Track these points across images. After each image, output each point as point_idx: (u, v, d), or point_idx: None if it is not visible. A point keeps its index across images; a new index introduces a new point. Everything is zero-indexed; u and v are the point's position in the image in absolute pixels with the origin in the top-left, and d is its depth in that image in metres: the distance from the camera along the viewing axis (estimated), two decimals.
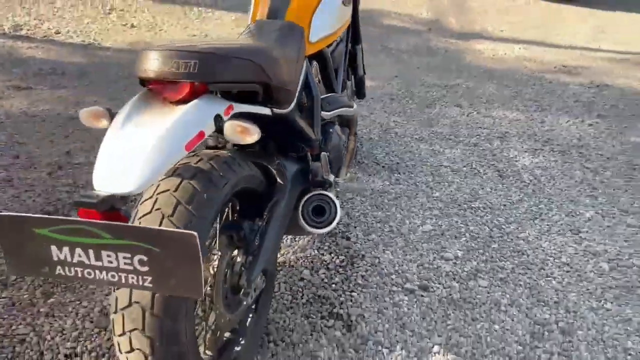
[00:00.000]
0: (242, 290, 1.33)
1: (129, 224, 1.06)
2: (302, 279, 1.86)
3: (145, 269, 0.96)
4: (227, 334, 1.42)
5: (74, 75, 3.34)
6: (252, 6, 1.78)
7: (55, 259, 0.99)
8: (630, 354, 1.64)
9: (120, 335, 1.11)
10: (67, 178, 2.31)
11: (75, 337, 1.56)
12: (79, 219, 0.97)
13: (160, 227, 1.02)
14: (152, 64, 1.13)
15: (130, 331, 1.09)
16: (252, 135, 1.13)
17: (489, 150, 2.89)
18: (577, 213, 2.37)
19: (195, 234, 0.91)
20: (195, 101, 1.13)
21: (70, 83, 3.23)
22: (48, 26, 4.18)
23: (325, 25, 1.77)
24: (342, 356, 1.56)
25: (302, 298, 1.78)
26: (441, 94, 3.59)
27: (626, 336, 1.71)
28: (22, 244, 0.99)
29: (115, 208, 0.99)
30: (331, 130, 1.78)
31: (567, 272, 1.99)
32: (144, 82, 1.19)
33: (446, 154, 2.80)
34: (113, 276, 0.98)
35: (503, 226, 2.24)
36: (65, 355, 1.50)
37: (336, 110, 1.81)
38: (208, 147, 1.45)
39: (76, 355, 1.51)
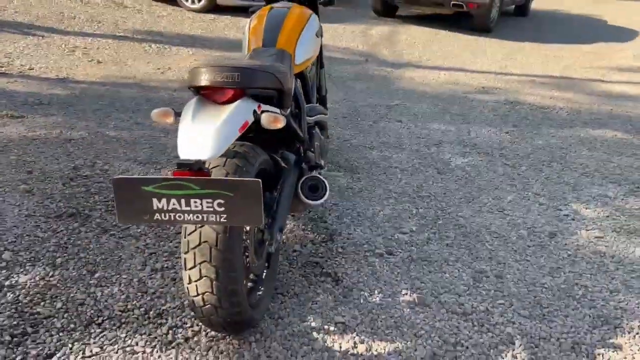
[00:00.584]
0: (267, 241, 1.81)
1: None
2: (294, 251, 2.34)
3: (222, 209, 1.42)
4: (249, 284, 1.88)
5: (59, 105, 3.69)
6: (247, 39, 2.29)
7: (155, 208, 1.43)
8: (545, 287, 2.23)
9: (190, 269, 1.56)
10: (80, 187, 2.69)
11: (124, 298, 1.97)
12: (176, 176, 1.43)
13: (236, 178, 1.48)
14: (207, 77, 1.61)
15: (200, 263, 1.54)
16: (281, 122, 1.63)
17: (428, 154, 3.49)
18: (501, 197, 2.99)
19: (260, 180, 1.40)
20: (239, 101, 1.62)
21: (59, 111, 3.58)
22: (20, 63, 4.49)
23: (305, 51, 2.30)
24: (334, 300, 2.05)
25: (297, 264, 2.25)
26: (384, 112, 4.20)
27: (542, 276, 2.30)
28: (131, 199, 1.43)
29: (200, 169, 1.45)
30: (314, 131, 2.30)
31: (496, 237, 2.58)
32: (197, 89, 1.67)
33: (394, 158, 3.38)
34: (197, 217, 1.44)
35: (445, 208, 2.82)
36: (120, 310, 1.90)
37: (316, 116, 2.34)
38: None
39: (128, 310, 1.91)
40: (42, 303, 1.91)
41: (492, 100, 4.78)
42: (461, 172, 3.27)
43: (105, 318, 1.87)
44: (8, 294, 1.94)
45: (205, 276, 1.55)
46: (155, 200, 1.43)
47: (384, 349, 1.84)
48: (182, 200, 1.43)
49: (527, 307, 2.10)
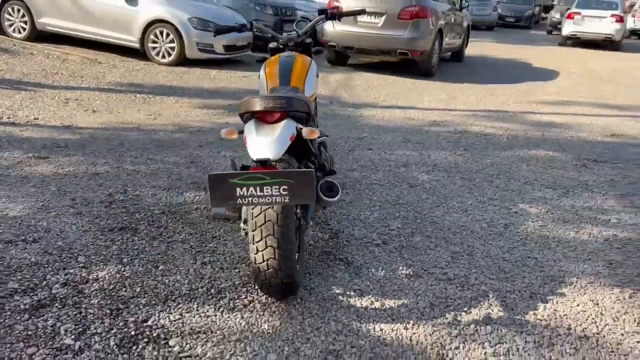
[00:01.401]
0: (303, 226, 2.41)
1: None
2: (310, 245, 2.93)
3: (286, 192, 2.02)
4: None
5: (75, 147, 4.18)
6: (265, 80, 2.93)
7: (238, 195, 2.02)
8: (505, 260, 2.90)
9: (258, 242, 2.13)
10: (120, 208, 3.20)
11: (187, 282, 2.49)
12: (253, 171, 2.02)
13: (296, 169, 2.08)
14: (261, 104, 2.23)
15: (266, 236, 2.12)
16: (316, 133, 2.26)
17: (399, 173, 4.19)
18: (463, 201, 3.70)
19: (313, 169, 2.01)
20: (285, 121, 2.25)
21: (77, 152, 4.07)
22: (23, 114, 4.95)
23: (311, 88, 2.96)
24: (349, 276, 2.65)
25: (315, 254, 2.84)
26: (356, 143, 4.91)
27: (502, 253, 2.98)
28: (220, 189, 2.01)
29: (269, 165, 2.05)
30: (322, 148, 2.94)
31: (464, 229, 3.26)
32: (253, 114, 2.28)
33: (372, 177, 4.05)
34: (268, 199, 2.03)
35: (420, 211, 3.49)
36: (187, 290, 2.43)
37: (321, 138, 2.98)
38: None
39: (193, 289, 2.44)
40: (123, 289, 2.42)
41: (443, 131, 5.58)
42: (428, 185, 3.97)
43: (177, 296, 2.39)
44: (94, 284, 2.43)
45: (270, 246, 2.13)
46: (238, 189, 2.02)
47: (394, 304, 2.44)
48: (258, 188, 2.03)
49: (495, 273, 2.76)
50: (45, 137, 4.37)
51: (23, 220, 2.97)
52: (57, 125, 4.74)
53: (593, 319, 2.43)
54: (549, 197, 3.88)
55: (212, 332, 2.18)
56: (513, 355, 2.15)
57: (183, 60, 8.14)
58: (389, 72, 9.12)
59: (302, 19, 3.48)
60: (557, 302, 2.54)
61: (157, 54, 8.19)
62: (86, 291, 2.38)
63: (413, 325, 2.30)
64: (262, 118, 2.29)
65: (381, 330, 2.25)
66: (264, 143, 2.13)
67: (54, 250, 2.69)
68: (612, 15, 15.61)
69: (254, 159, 2.10)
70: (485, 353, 2.15)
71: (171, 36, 8.06)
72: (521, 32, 21.27)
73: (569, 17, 16.14)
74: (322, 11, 3.37)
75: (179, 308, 2.31)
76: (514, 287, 2.65)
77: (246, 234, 2.41)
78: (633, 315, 2.48)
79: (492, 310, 2.44)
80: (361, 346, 2.14)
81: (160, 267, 2.61)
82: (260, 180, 2.03)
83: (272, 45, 3.34)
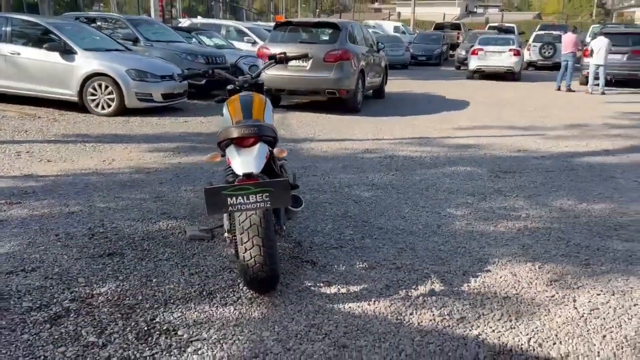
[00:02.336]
0: (277, 231, 2.91)
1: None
2: (280, 252, 3.42)
3: (268, 199, 2.53)
4: None
5: (44, 192, 4.47)
6: (229, 115, 3.43)
7: (229, 203, 2.51)
8: (441, 250, 3.52)
9: (246, 242, 2.62)
10: (103, 239, 3.56)
11: (181, 289, 2.91)
12: (240, 184, 2.52)
13: (275, 179, 2.59)
14: (239, 132, 2.75)
15: (252, 237, 2.61)
16: (285, 152, 2.80)
17: (344, 192, 4.77)
18: (400, 210, 4.32)
19: (288, 178, 2.54)
20: (259, 144, 2.77)
21: (47, 196, 4.37)
22: None
23: (269, 119, 3.49)
24: (317, 272, 3.16)
25: (285, 258, 3.33)
26: (302, 171, 5.46)
27: (438, 246, 3.60)
28: (215, 198, 2.50)
29: (252, 177, 2.56)
30: (283, 169, 3.48)
31: (405, 231, 3.86)
32: (231, 140, 2.79)
33: (321, 197, 4.60)
34: (254, 205, 2.53)
35: (367, 220, 4.06)
36: (183, 294, 2.85)
37: (282, 160, 3.52)
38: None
39: (188, 293, 2.86)
40: (126, 298, 2.80)
41: (376, 157, 6.27)
42: (370, 200, 4.58)
43: (174, 299, 2.81)
44: (99, 297, 2.80)
45: (256, 245, 2.61)
46: (229, 199, 2.52)
47: (357, 288, 2.97)
48: (245, 197, 2.53)
49: (434, 260, 3.36)
50: (11, 186, 4.62)
51: (15, 254, 3.28)
52: (17, 175, 4.99)
53: (512, 284, 3.07)
54: (470, 202, 4.59)
55: (212, 322, 2.61)
56: (454, 314, 2.72)
57: (123, 110, 8.46)
58: (319, 110, 9.83)
59: (254, 64, 4.04)
60: (484, 276, 3.16)
61: (97, 106, 8.48)
62: (94, 303, 2.74)
63: (374, 301, 2.83)
64: (240, 143, 2.81)
65: (350, 307, 2.77)
66: (247, 160, 2.65)
67: (53, 275, 3.03)
68: (510, 50, 17.38)
69: (241, 173, 2.61)
70: (433, 314, 2.72)
71: (110, 88, 8.39)
72: (432, 69, 22.99)
73: (474, 53, 17.79)
74: (271, 57, 3.97)
75: (179, 308, 2.73)
76: (450, 268, 3.25)
77: (230, 241, 2.89)
78: (542, 280, 3.14)
79: (435, 286, 3.02)
80: (336, 319, 2.65)
81: (154, 280, 3.01)
82: (246, 190, 2.53)
83: (229, 87, 3.88)
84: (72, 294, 2.82)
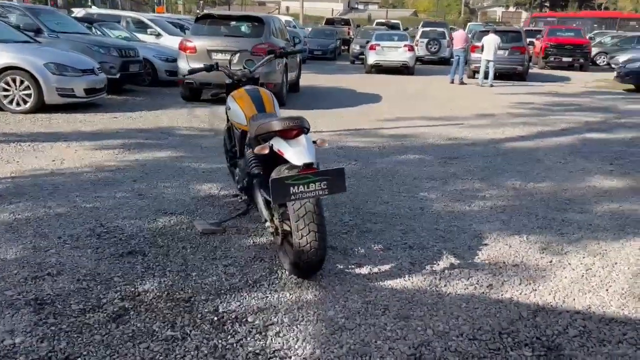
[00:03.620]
0: None
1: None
2: None
3: (326, 187, 2.69)
4: None
5: (13, 195, 4.18)
6: (240, 109, 3.51)
7: (291, 192, 2.64)
8: (429, 230, 3.87)
9: (302, 229, 2.75)
10: (112, 239, 3.47)
11: (224, 280, 2.97)
12: (302, 174, 2.65)
13: (331, 168, 2.74)
14: (283, 125, 2.86)
15: (308, 224, 2.75)
16: (326, 144, 2.96)
17: None
18: (381, 196, 4.62)
19: (344, 167, 2.72)
20: (304, 135, 2.91)
21: (20, 199, 4.08)
22: None
23: (279, 112, 3.62)
24: (342, 256, 3.36)
25: None
26: None
27: (429, 225, 3.95)
28: (280, 187, 2.61)
29: (311, 167, 2.70)
30: None
31: (395, 215, 4.17)
32: (276, 132, 2.90)
33: None
34: (313, 194, 2.68)
35: (357, 207, 4.31)
36: (227, 286, 2.92)
37: None
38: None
39: (233, 284, 2.94)
40: (176, 293, 2.81)
41: (327, 148, 6.53)
42: (348, 188, 4.82)
43: (225, 290, 2.87)
44: (148, 294, 2.79)
45: (312, 231, 2.76)
46: (291, 188, 2.64)
47: (386, 267, 3.22)
48: (305, 185, 2.67)
49: (436, 238, 3.70)
50: None
51: (28, 259, 3.11)
52: None
53: (513, 254, 3.49)
54: (436, 186, 5.01)
55: (275, 307, 2.72)
56: (482, 282, 3.07)
57: (41, 107, 7.91)
58: None
59: (249, 59, 4.11)
60: (487, 249, 3.55)
61: (11, 102, 7.85)
62: (146, 300, 2.73)
63: (408, 277, 3.10)
64: (284, 135, 2.92)
65: (390, 284, 3.02)
66: (301, 151, 2.78)
67: (84, 277, 2.94)
68: (405, 46, 18.44)
69: (300, 164, 2.74)
70: (464, 284, 3.04)
71: (26, 83, 7.80)
72: (329, 63, 23.63)
73: (372, 48, 18.61)
74: (270, 51, 4.07)
75: (234, 298, 2.80)
76: (455, 245, 3.61)
77: (275, 231, 3.00)
78: (534, 249, 3.59)
79: (452, 260, 3.35)
80: (385, 295, 2.88)
81: (194, 274, 3.03)
82: (307, 179, 2.67)
83: (228, 81, 3.93)
84: (118, 294, 2.77)
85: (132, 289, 2.83)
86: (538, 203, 4.58)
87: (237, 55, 4.23)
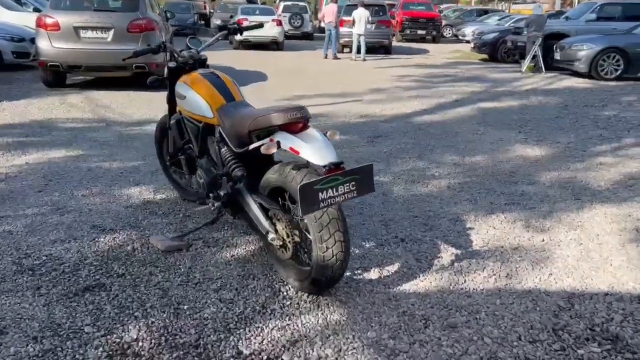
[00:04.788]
0: None
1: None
2: None
3: (354, 187, 2.28)
4: None
5: None
6: (202, 99, 2.91)
7: (320, 199, 2.19)
8: (420, 213, 3.63)
9: (327, 240, 2.32)
10: (54, 271, 2.71)
11: (224, 302, 2.44)
12: (330, 175, 2.20)
13: (360, 166, 2.31)
14: (286, 117, 2.37)
15: (334, 233, 2.32)
16: (337, 136, 2.52)
17: None
18: None
19: (372, 164, 2.32)
20: (312, 127, 2.43)
21: None
22: None
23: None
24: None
25: None
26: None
27: (422, 203, 3.69)
28: (308, 196, 2.14)
29: (337, 166, 2.25)
30: None
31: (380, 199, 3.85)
32: (279, 127, 2.39)
33: None
34: (341, 197, 2.25)
35: None
36: (215, 290, 2.40)
37: None
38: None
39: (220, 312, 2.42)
40: (176, 336, 2.23)
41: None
42: None
43: (236, 323, 2.34)
44: (140, 344, 2.17)
45: (338, 240, 2.34)
46: (320, 194, 2.19)
47: (394, 268, 2.90)
48: (334, 189, 2.23)
49: (420, 227, 3.46)
50: None
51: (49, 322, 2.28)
52: None
53: (504, 237, 3.37)
54: (382, 168, 4.77)
55: (306, 336, 2.28)
56: (498, 272, 2.89)
57: None
58: (122, 88, 8.79)
59: (193, 36, 3.44)
60: (476, 234, 3.39)
61: None
62: (143, 353, 2.12)
63: (424, 279, 2.81)
64: (289, 129, 2.43)
65: (411, 288, 2.70)
66: (320, 147, 2.31)
67: (41, 334, 2.22)
68: (273, 20, 17.94)
69: (325, 164, 2.27)
70: (482, 276, 2.83)
71: None
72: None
73: (239, 22, 17.82)
74: (222, 27, 3.45)
75: (250, 331, 2.30)
76: (442, 233, 3.39)
77: (283, 245, 2.52)
78: (519, 228, 3.51)
79: (453, 251, 3.13)
80: (414, 303, 2.56)
81: (184, 307, 2.46)
82: (335, 181, 2.23)
83: (171, 64, 3.26)
84: (101, 351, 2.12)
85: (117, 341, 2.19)
86: (487, 178, 4.55)
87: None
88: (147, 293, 2.55)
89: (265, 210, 2.62)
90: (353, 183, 2.28)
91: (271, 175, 2.53)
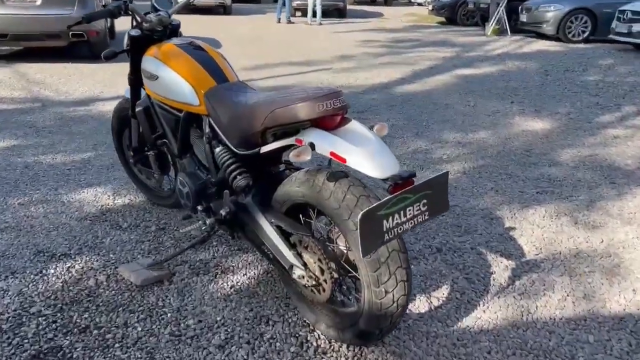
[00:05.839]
0: None
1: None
2: None
3: (425, 207, 1.60)
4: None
5: None
6: (184, 81, 2.15)
7: (384, 229, 1.51)
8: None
9: (386, 281, 1.64)
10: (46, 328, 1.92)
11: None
12: (398, 193, 1.51)
13: (434, 176, 1.62)
14: (322, 108, 1.66)
15: (395, 270, 1.65)
16: (386, 130, 1.82)
17: None
18: None
19: (448, 172, 1.64)
20: (353, 121, 1.72)
21: None
22: None
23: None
24: None
25: None
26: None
27: None
28: (369, 228, 1.46)
29: (407, 180, 1.56)
30: None
31: None
32: (311, 122, 1.67)
33: None
34: (410, 223, 1.58)
35: None
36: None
37: None
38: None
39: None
40: None
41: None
42: None
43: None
44: None
45: (401, 281, 1.66)
46: (384, 222, 1.50)
47: (424, 288, 2.27)
48: (401, 213, 1.55)
49: (440, 228, 2.84)
50: None
51: None
52: None
53: (553, 238, 2.79)
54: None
55: None
56: (570, 293, 2.30)
57: None
58: (58, 59, 7.68)
59: None
60: (518, 235, 2.80)
61: None
62: None
63: (484, 305, 2.20)
64: (324, 124, 1.71)
65: (476, 324, 2.08)
66: (379, 154, 1.61)
67: None
68: None
69: (386, 177, 1.57)
70: (556, 299, 2.25)
71: None
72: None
73: None
74: None
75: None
76: (482, 236, 2.79)
77: (316, 283, 1.82)
78: (566, 224, 2.94)
79: (504, 262, 2.53)
80: (498, 350, 1.94)
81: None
82: (403, 201, 1.54)
83: (134, 32, 2.44)
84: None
85: None
86: (502, 159, 3.97)
87: None
88: (125, 359, 1.81)
89: (285, 234, 1.91)
90: (424, 202, 1.61)
91: (293, 188, 1.81)
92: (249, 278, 2.31)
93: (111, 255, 2.46)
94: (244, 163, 2.04)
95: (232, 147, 1.98)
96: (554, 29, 10.92)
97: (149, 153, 2.69)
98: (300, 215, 1.93)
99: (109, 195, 3.12)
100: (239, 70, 7.40)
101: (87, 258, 2.43)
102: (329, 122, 1.72)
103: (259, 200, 1.98)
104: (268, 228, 1.92)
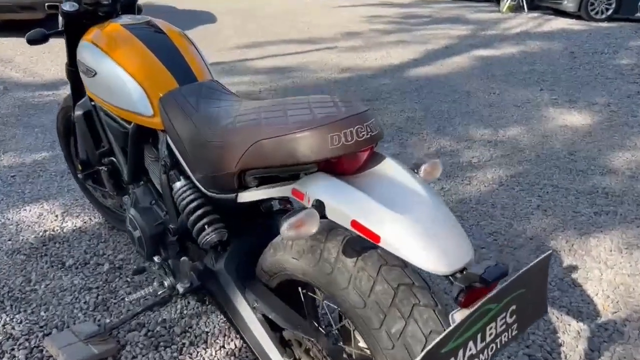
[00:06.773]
0: None
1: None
2: None
3: (514, 317, 0.94)
4: None
5: None
6: (131, 79, 1.46)
7: None
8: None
9: None
10: None
11: None
12: (473, 309, 0.85)
13: (533, 263, 0.95)
14: (343, 145, 0.99)
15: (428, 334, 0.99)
16: (440, 172, 1.14)
17: None
18: None
19: (551, 252, 0.97)
20: (388, 160, 1.05)
21: None
22: None
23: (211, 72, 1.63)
24: None
25: None
26: None
27: None
28: None
29: (481, 279, 0.90)
30: None
31: None
32: (317, 165, 0.99)
33: None
34: (492, 349, 0.91)
35: None
36: None
37: None
38: None
39: None
40: None
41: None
42: None
43: None
44: None
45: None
46: (459, 353, 0.84)
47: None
48: (479, 336, 0.88)
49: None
50: None
51: None
52: None
53: (627, 281, 2.14)
54: (397, 152, 3.44)
55: None
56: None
57: None
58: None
59: None
60: (591, 284, 2.15)
61: None
62: None
63: None
64: (340, 167, 1.03)
65: None
66: (442, 228, 0.93)
67: None
68: None
69: (451, 272, 0.90)
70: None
71: None
72: None
73: None
74: None
75: None
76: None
77: None
78: (617, 247, 2.29)
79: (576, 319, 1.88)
80: None
81: None
82: (483, 318, 0.88)
83: (69, 7, 1.74)
84: None
85: None
86: (543, 165, 3.30)
87: None
88: None
89: (275, 330, 1.24)
90: (512, 309, 0.94)
91: (289, 259, 1.14)
92: (229, 354, 1.66)
93: (42, 314, 1.80)
94: (215, 207, 1.37)
95: (200, 186, 1.31)
96: (575, 6, 10.11)
97: (100, 168, 2.02)
98: (300, 289, 1.27)
99: (56, 215, 2.45)
100: (234, 49, 6.68)
101: (7, 319, 1.77)
102: (349, 164, 1.04)
103: (236, 267, 1.31)
104: (249, 316, 1.25)
